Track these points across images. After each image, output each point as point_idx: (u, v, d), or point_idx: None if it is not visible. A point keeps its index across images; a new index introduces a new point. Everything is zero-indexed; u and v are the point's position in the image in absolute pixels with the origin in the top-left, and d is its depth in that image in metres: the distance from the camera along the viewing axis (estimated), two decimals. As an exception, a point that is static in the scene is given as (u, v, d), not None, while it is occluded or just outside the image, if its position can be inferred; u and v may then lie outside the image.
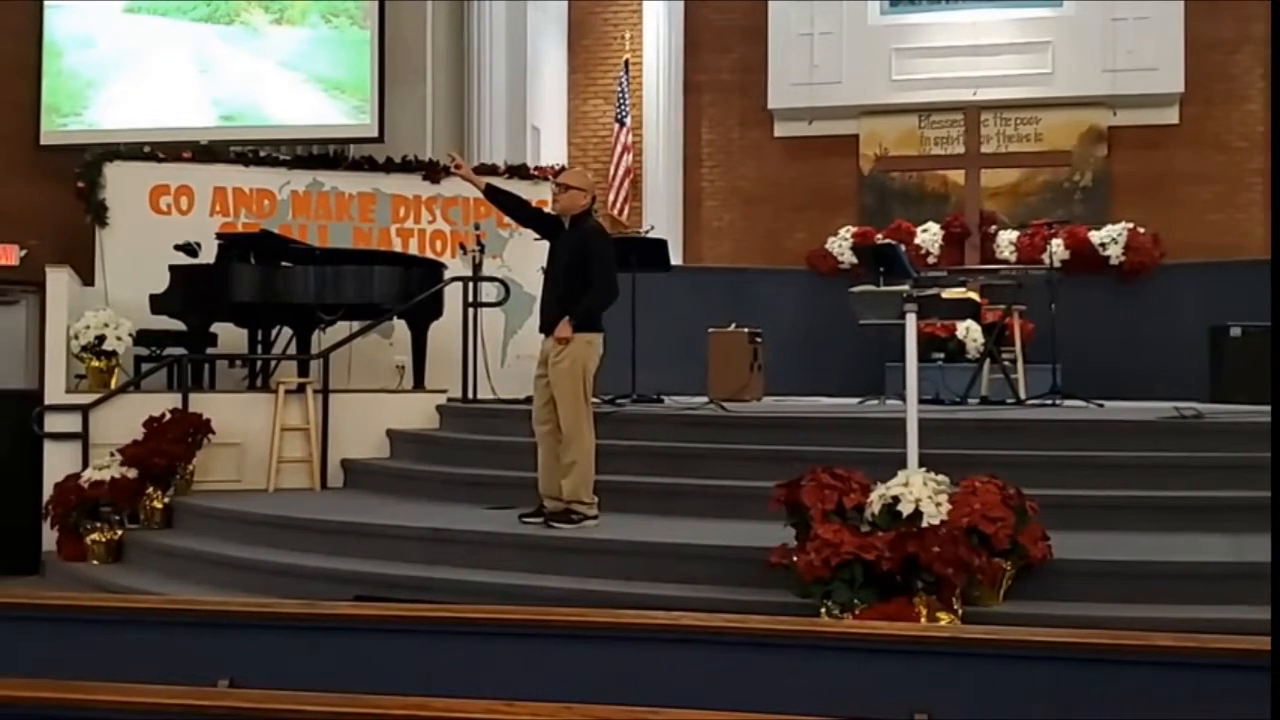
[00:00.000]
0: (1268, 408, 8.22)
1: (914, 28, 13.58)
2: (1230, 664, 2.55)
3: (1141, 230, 11.71)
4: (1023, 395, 9.13)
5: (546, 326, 6.43)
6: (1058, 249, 10.86)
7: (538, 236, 6.91)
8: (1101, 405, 8.72)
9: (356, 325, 8.98)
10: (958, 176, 12.85)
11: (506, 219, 7.70)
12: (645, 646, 2.81)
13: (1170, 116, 13.19)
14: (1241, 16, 12.98)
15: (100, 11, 11.14)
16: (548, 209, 6.90)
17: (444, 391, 8.90)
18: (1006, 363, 9.43)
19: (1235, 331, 9.67)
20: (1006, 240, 12.03)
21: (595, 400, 6.74)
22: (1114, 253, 11.56)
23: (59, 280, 8.32)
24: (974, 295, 9.96)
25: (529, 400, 8.71)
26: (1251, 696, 2.46)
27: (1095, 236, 11.66)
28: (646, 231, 11.27)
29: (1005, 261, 11.68)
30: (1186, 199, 13.03)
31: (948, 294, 9.24)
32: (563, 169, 10.97)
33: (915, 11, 13.70)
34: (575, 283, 6.33)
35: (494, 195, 6.78)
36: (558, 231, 6.57)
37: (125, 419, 7.87)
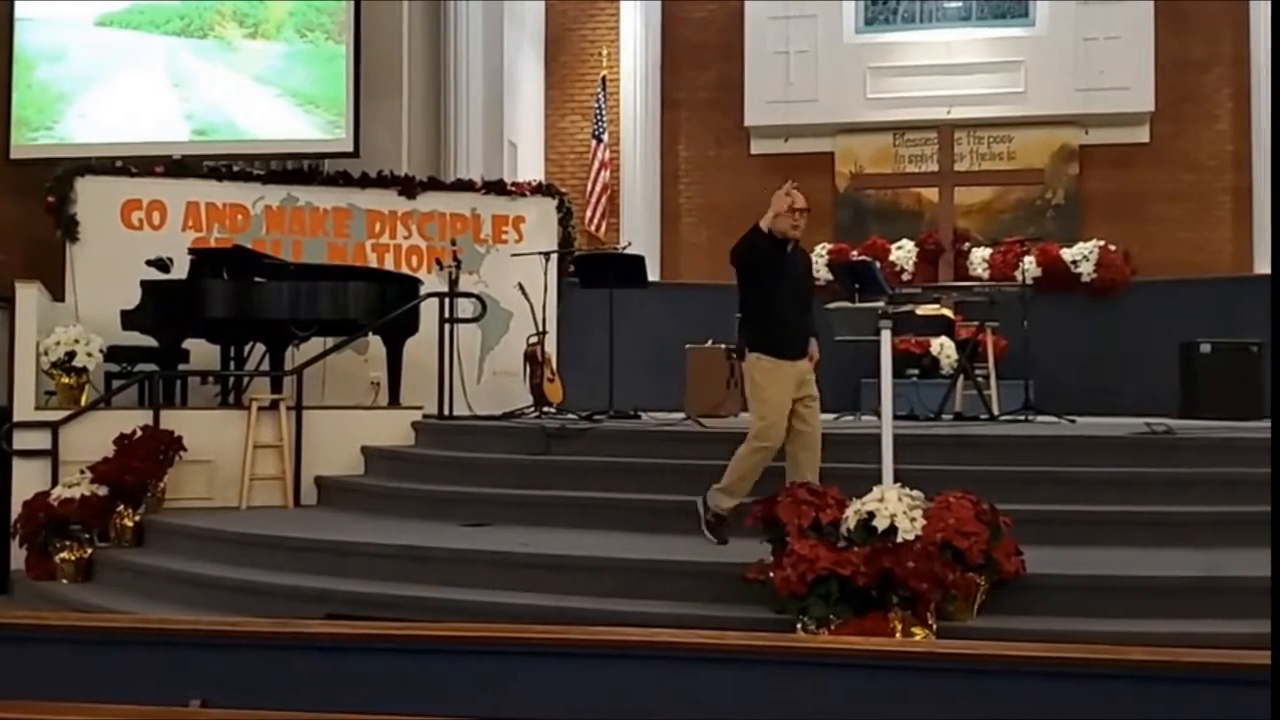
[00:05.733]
0: (1238, 423, 8.32)
1: (889, 47, 13.68)
2: (1202, 678, 2.56)
3: (1113, 248, 11.79)
4: (996, 411, 9.17)
5: (801, 350, 6.30)
6: (1030, 266, 10.93)
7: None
8: (1074, 421, 8.77)
9: (331, 341, 8.93)
10: (932, 194, 12.93)
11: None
12: (621, 663, 2.80)
13: (1141, 135, 13.32)
14: (1211, 37, 13.14)
15: (72, 25, 11.07)
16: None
17: (419, 408, 8.86)
18: (980, 379, 9.47)
19: (1205, 348, 9.77)
20: (980, 257, 12.11)
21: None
22: (1085, 270, 11.64)
23: (28, 296, 8.25)
24: (948, 312, 10.01)
25: (506, 416, 8.77)
26: (1224, 711, 2.47)
27: (1067, 254, 11.74)
28: (624, 248, 11.27)
29: (978, 278, 11.74)
30: (1157, 217, 13.15)
31: (922, 310, 9.31)
32: (539, 183, 10.97)
33: (890, 31, 13.82)
34: (809, 304, 6.46)
35: None
36: (780, 253, 6.28)
37: (95, 436, 7.81)
